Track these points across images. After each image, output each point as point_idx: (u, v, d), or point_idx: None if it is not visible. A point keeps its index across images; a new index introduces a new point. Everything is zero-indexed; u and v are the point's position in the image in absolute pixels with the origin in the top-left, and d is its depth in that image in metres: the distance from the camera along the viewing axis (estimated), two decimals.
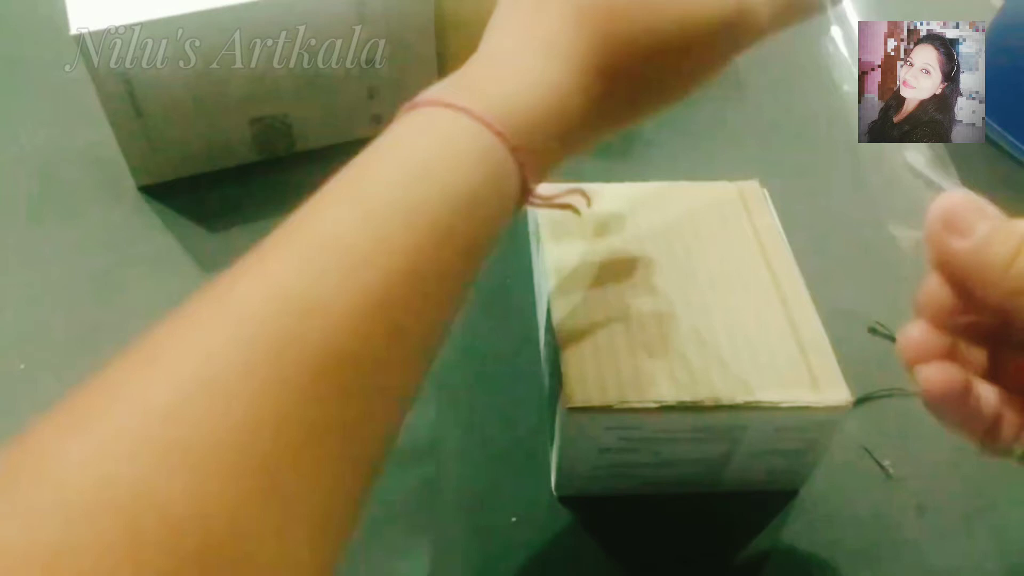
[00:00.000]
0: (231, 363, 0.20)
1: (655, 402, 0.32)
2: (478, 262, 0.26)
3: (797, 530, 0.37)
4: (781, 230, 0.39)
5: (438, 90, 0.27)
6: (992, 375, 0.28)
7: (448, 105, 0.26)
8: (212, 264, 0.48)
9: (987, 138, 0.55)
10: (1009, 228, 0.24)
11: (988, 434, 0.27)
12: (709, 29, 0.29)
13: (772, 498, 0.38)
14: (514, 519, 0.37)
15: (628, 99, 0.29)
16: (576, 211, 0.31)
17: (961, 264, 0.25)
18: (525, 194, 0.27)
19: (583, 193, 0.30)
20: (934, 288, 0.27)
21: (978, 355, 0.28)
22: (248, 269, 0.23)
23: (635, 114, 0.30)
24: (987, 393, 0.27)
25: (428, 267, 0.24)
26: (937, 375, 0.26)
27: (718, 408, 0.32)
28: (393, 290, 0.22)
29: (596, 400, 0.32)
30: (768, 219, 0.40)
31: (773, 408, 0.33)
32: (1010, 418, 0.27)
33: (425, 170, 0.24)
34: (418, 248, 0.23)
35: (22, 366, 0.43)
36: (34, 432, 0.20)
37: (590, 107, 0.28)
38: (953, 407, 0.26)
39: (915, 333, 0.27)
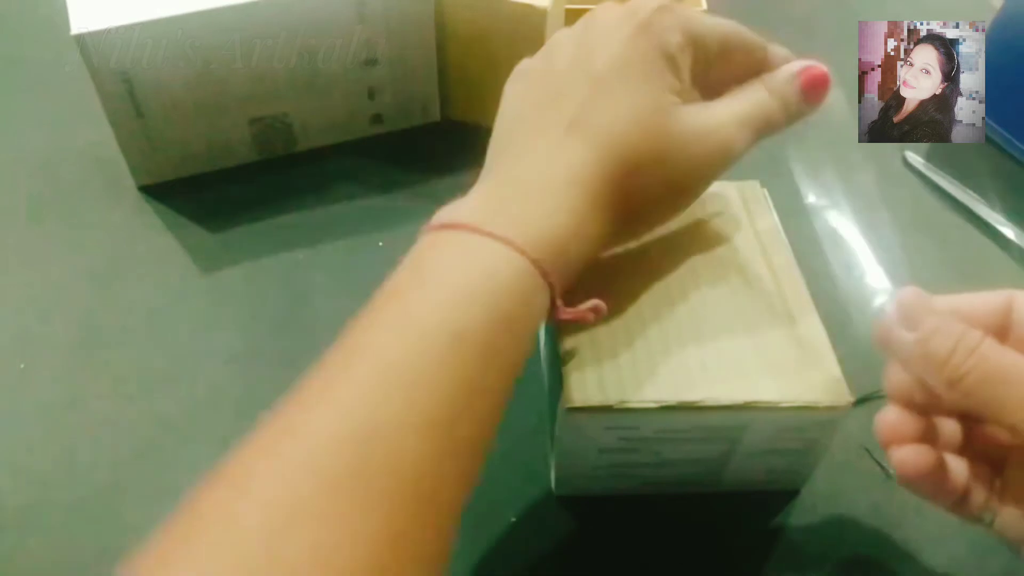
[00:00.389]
0: (311, 492, 0.22)
1: (655, 402, 0.32)
2: (516, 376, 0.28)
3: (797, 530, 0.37)
4: (781, 230, 0.39)
5: (471, 213, 0.29)
6: (966, 443, 0.31)
7: (488, 233, 0.28)
8: (212, 264, 0.48)
9: (988, 137, 0.55)
10: (949, 327, 0.28)
11: (958, 505, 0.30)
12: (709, 174, 0.34)
13: (772, 498, 0.38)
14: (514, 519, 0.37)
15: (631, 229, 0.34)
16: (595, 320, 0.33)
17: (908, 354, 0.28)
18: (553, 309, 0.30)
19: (600, 306, 0.33)
20: (896, 374, 0.31)
21: (952, 425, 0.31)
22: (315, 397, 0.25)
23: (633, 237, 0.35)
24: (957, 467, 0.30)
25: (476, 385, 0.26)
26: (909, 458, 0.29)
27: (718, 408, 0.32)
28: (446, 409, 0.25)
29: (596, 400, 0.32)
30: (768, 219, 0.40)
31: (773, 408, 0.33)
32: (978, 491, 0.30)
33: (470, 296, 0.27)
34: (466, 368, 0.26)
35: (22, 365, 0.43)
36: (138, 564, 0.22)
37: (603, 232, 0.31)
38: (924, 486, 0.30)
39: (889, 416, 0.31)
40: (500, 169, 0.32)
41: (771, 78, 0.34)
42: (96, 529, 0.37)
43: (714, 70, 0.34)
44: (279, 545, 0.21)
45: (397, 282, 0.28)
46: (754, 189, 0.42)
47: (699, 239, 0.39)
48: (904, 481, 0.30)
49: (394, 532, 0.23)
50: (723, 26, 0.34)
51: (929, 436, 0.31)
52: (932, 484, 0.30)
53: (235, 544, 0.21)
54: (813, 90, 0.34)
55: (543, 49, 0.35)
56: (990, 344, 0.29)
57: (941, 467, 0.30)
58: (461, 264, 0.28)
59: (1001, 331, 0.31)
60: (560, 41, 0.35)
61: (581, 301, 0.32)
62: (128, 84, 0.45)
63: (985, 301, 0.32)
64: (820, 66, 0.34)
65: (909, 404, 0.31)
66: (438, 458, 0.24)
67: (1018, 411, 0.28)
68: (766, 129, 0.34)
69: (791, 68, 0.34)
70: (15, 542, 0.36)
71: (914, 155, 0.54)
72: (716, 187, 0.41)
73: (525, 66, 0.35)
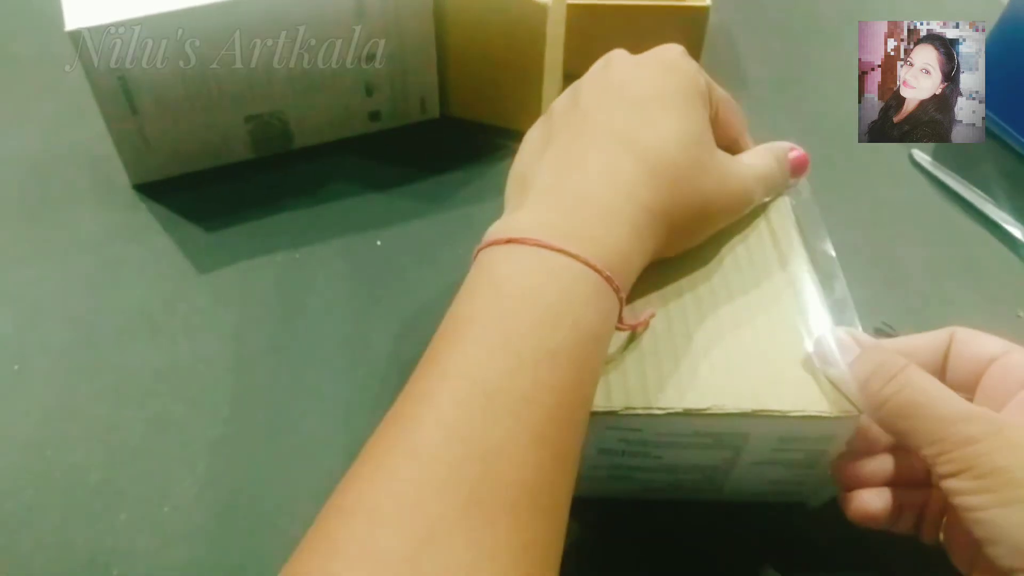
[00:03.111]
0: (441, 513, 0.23)
1: (661, 409, 0.32)
2: (597, 383, 0.30)
3: (800, 538, 0.37)
4: (799, 237, 0.38)
5: (537, 228, 0.30)
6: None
7: (560, 250, 0.29)
8: (207, 263, 0.47)
9: (992, 134, 0.55)
10: (871, 354, 0.31)
11: (911, 531, 0.33)
12: (730, 215, 0.36)
13: (776, 508, 0.37)
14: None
15: (674, 243, 0.34)
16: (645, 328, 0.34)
17: (840, 381, 0.32)
18: (620, 320, 0.31)
19: (654, 313, 0.34)
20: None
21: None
22: (423, 420, 0.26)
23: (673, 252, 0.35)
24: (912, 498, 0.33)
25: (572, 397, 0.28)
26: (859, 507, 0.32)
27: (723, 415, 0.32)
28: (552, 423, 0.26)
29: (601, 406, 0.32)
30: (786, 224, 0.39)
31: (780, 416, 0.32)
32: (930, 524, 0.33)
33: (558, 315, 0.28)
34: (564, 385, 0.27)
35: (15, 367, 0.42)
36: None
37: (656, 247, 0.33)
38: (875, 526, 0.33)
39: (845, 459, 0.34)
40: (551, 182, 0.32)
41: (776, 148, 0.39)
42: (91, 530, 0.37)
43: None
44: (422, 569, 0.22)
45: (477, 299, 0.29)
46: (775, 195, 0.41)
47: (713, 240, 0.38)
48: (854, 522, 0.33)
49: (524, 542, 0.24)
50: (724, 92, 0.38)
51: (883, 473, 0.33)
52: (881, 524, 0.33)
53: (380, 574, 0.22)
54: (799, 168, 0.39)
55: (562, 96, 0.36)
56: (911, 373, 0.30)
57: (888, 513, 0.32)
58: (542, 282, 0.28)
59: (941, 369, 0.33)
60: (579, 85, 0.35)
61: None
62: (122, 81, 0.45)
63: (928, 339, 0.34)
64: (803, 151, 0.40)
65: (867, 440, 0.34)
66: (550, 469, 0.26)
67: (930, 444, 0.29)
68: (771, 191, 0.39)
69: (784, 146, 0.39)
70: (10, 543, 0.36)
71: (921, 153, 0.54)
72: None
73: (547, 113, 0.36)
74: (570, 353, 0.27)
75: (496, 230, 0.31)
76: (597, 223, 0.30)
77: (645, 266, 0.33)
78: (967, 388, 0.32)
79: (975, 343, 0.33)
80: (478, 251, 0.31)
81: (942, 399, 0.29)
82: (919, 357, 0.33)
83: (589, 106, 0.34)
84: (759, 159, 0.38)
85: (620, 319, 0.31)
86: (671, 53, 0.35)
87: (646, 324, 0.34)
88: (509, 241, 0.30)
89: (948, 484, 0.28)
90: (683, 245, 0.36)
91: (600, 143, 0.32)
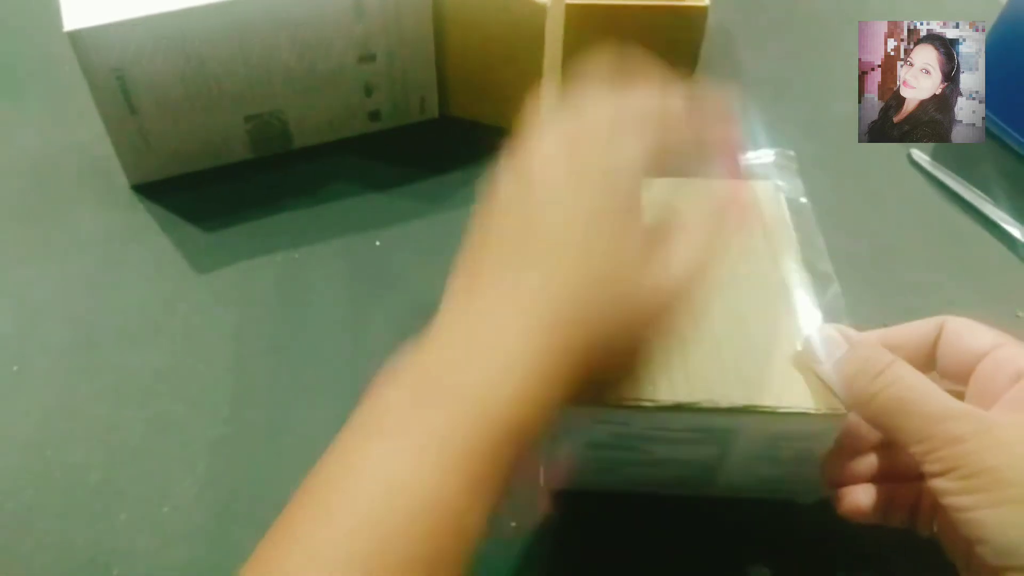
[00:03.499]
0: None
1: (650, 402, 0.32)
2: (499, 507, 0.27)
3: (792, 534, 0.37)
4: (793, 233, 0.38)
5: (429, 362, 0.28)
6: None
7: (445, 388, 0.27)
8: (206, 264, 0.47)
9: (992, 134, 0.55)
10: (857, 352, 0.31)
11: (905, 525, 0.33)
12: (662, 332, 0.31)
13: (769, 504, 0.37)
14: (502, 512, 0.36)
15: (591, 383, 0.30)
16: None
17: (828, 379, 0.32)
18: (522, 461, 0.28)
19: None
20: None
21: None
22: (319, 528, 0.25)
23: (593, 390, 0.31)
24: (905, 493, 0.33)
25: (446, 555, 0.25)
26: (850, 504, 0.33)
27: (713, 410, 0.32)
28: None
29: (592, 399, 0.32)
30: (781, 221, 0.39)
31: (769, 412, 0.32)
32: (924, 517, 0.33)
33: (435, 460, 0.26)
34: (436, 537, 0.25)
35: (15, 367, 0.42)
36: None
37: (563, 390, 0.29)
38: (867, 522, 0.33)
39: (835, 457, 0.34)
40: (461, 306, 0.30)
41: (714, 215, 0.33)
42: (91, 530, 0.37)
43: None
44: None
45: (360, 429, 0.27)
46: (768, 190, 0.41)
47: None
48: (844, 517, 0.33)
49: None
50: (720, 102, 0.34)
51: (874, 470, 0.33)
52: (870, 520, 0.33)
53: None
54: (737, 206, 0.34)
55: (525, 154, 0.32)
56: (898, 369, 0.30)
57: (876, 510, 0.32)
58: (419, 424, 0.26)
59: (931, 358, 0.33)
60: (535, 160, 0.32)
61: None
62: (121, 81, 0.45)
63: (916, 328, 0.34)
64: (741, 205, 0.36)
65: (857, 436, 0.33)
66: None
67: (917, 442, 0.29)
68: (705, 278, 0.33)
69: (723, 204, 0.34)
70: (11, 543, 0.36)
71: (920, 153, 0.54)
72: (730, 184, 0.41)
73: (502, 183, 0.33)
74: (448, 500, 0.25)
75: (399, 358, 0.28)
76: (488, 362, 0.28)
77: (557, 403, 0.29)
78: (959, 380, 0.32)
79: (967, 335, 0.32)
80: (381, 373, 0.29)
81: (929, 396, 0.29)
82: (908, 347, 0.33)
83: (524, 217, 0.31)
84: (693, 249, 0.32)
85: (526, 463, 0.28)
86: (627, 149, 0.31)
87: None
88: (400, 375, 0.28)
89: (936, 483, 0.28)
90: (614, 375, 0.32)
91: (512, 275, 0.29)
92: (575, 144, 0.32)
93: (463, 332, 0.29)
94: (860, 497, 0.33)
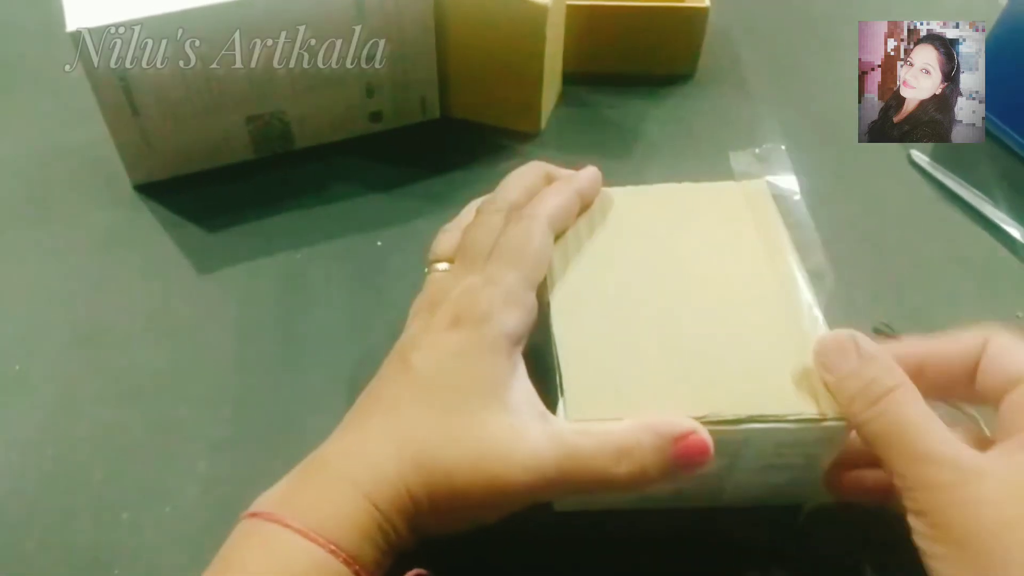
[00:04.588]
0: None
1: None
2: None
3: (797, 543, 0.37)
4: (787, 233, 0.38)
5: (281, 499, 0.31)
6: None
7: (287, 525, 0.29)
8: (208, 264, 0.47)
9: (991, 135, 0.55)
10: (862, 372, 0.30)
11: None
12: (516, 501, 0.32)
13: (772, 511, 0.37)
14: (511, 532, 0.36)
15: (447, 527, 0.32)
16: None
17: (832, 391, 0.32)
18: None
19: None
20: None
21: None
22: None
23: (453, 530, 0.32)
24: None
25: None
26: (845, 488, 0.34)
27: (720, 422, 0.32)
28: None
29: (597, 413, 0.32)
30: (774, 222, 0.39)
31: (776, 421, 0.32)
32: None
33: None
34: None
35: (17, 367, 0.42)
36: None
37: (412, 529, 0.31)
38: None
39: (839, 468, 0.34)
40: (329, 444, 0.33)
41: (659, 426, 0.31)
42: (93, 530, 0.37)
43: None
44: None
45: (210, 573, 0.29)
46: (758, 189, 0.41)
47: (703, 244, 0.38)
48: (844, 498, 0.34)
49: None
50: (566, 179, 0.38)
51: (880, 482, 0.33)
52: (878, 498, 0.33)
53: None
54: (686, 458, 0.31)
55: (440, 277, 0.36)
56: (898, 398, 0.29)
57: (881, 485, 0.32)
58: (262, 558, 0.29)
59: (971, 375, 0.32)
60: (435, 297, 0.35)
61: None
62: (124, 81, 0.45)
63: (959, 343, 0.32)
64: (701, 440, 0.31)
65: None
66: None
67: (898, 476, 0.29)
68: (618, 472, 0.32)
69: (674, 427, 0.31)
70: (13, 542, 0.36)
71: (919, 154, 0.54)
72: (720, 188, 0.41)
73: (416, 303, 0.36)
74: None
75: (257, 500, 0.31)
76: (337, 495, 0.30)
77: (413, 537, 0.31)
78: (995, 402, 0.31)
79: (1006, 358, 0.31)
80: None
81: (921, 433, 0.28)
82: (946, 362, 0.32)
83: (404, 357, 0.33)
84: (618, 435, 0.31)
85: None
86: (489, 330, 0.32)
87: None
88: (250, 516, 0.30)
89: (910, 519, 0.28)
90: (471, 523, 0.32)
91: (375, 419, 0.32)
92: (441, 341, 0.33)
93: (320, 459, 0.32)
94: (854, 485, 0.34)
